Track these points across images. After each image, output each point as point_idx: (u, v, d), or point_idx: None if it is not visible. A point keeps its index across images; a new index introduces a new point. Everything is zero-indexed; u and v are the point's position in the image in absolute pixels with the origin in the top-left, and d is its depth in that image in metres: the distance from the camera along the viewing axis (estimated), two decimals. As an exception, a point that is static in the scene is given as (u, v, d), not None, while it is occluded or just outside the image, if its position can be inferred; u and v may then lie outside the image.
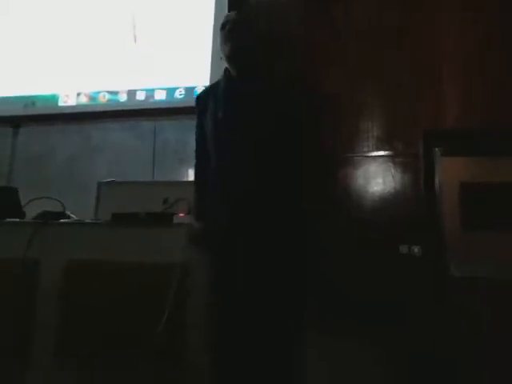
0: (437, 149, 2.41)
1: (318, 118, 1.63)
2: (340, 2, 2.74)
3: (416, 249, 2.34)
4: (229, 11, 3.14)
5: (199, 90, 3.20)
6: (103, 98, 3.41)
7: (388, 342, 2.27)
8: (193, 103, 3.19)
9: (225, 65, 1.73)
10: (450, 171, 2.39)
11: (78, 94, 3.46)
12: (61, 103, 3.48)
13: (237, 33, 1.61)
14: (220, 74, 3.04)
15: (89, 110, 3.40)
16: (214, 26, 3.24)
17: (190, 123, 3.16)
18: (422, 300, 2.30)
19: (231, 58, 1.63)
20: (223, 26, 1.64)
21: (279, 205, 1.57)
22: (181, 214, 2.22)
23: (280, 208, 1.57)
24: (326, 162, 2.51)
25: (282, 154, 1.58)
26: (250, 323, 1.51)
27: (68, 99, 3.47)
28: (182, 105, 3.21)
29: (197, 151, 1.80)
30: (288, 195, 1.60)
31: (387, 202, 2.51)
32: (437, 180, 2.41)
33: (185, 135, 3.14)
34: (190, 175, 2.98)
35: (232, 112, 1.62)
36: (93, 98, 3.43)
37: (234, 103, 1.63)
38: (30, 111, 3.50)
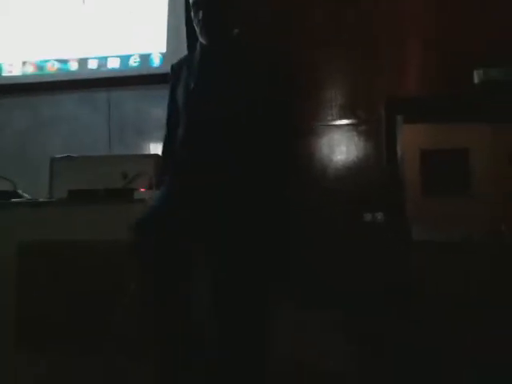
0: (399, 116, 2.43)
1: (283, 89, 1.60)
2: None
3: (379, 216, 2.39)
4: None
5: (155, 57, 3.06)
6: (52, 66, 3.19)
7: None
8: (149, 71, 3.12)
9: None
10: (411, 138, 2.42)
11: (24, 63, 3.21)
12: (4, 73, 3.23)
13: (210, 12, 1.55)
14: (177, 38, 2.94)
15: (36, 80, 3.17)
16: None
17: (148, 93, 3.08)
18: (384, 265, 2.36)
19: (204, 26, 1.57)
20: (194, 5, 1.57)
21: (252, 179, 1.54)
22: (142, 189, 2.15)
23: (254, 183, 1.54)
24: (293, 131, 2.48)
25: (251, 126, 1.55)
26: (227, 313, 1.49)
27: (12, 68, 3.22)
28: (136, 73, 3.06)
29: (167, 124, 1.74)
30: (261, 171, 1.57)
31: (351, 170, 2.54)
32: (398, 147, 2.44)
33: (143, 106, 3.01)
34: (151, 149, 2.89)
35: (204, 84, 1.58)
36: (40, 67, 3.20)
37: (205, 74, 1.59)
38: (-31, 81, 3.24)
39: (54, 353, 1.97)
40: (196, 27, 1.61)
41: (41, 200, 2.16)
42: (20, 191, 2.20)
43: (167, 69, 2.98)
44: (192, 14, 1.61)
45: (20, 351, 2.00)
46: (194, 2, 1.59)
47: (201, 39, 1.61)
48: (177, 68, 1.73)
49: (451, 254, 2.31)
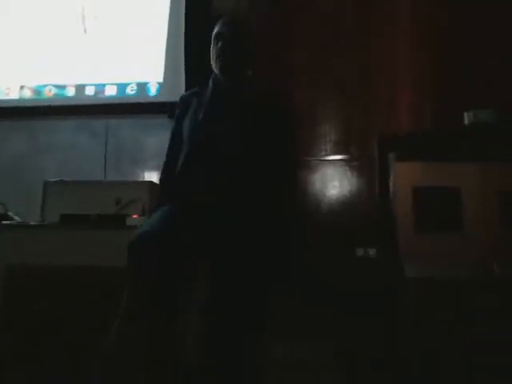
0: (391, 154, 2.48)
1: (281, 125, 1.65)
2: (300, 12, 2.77)
3: (371, 251, 2.40)
4: (186, 8, 3.09)
5: (152, 86, 3.11)
6: (49, 92, 3.21)
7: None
8: (146, 100, 3.15)
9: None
10: (403, 176, 2.46)
11: (22, 87, 3.23)
12: (2, 96, 3.24)
13: (232, 47, 1.63)
14: (176, 68, 2.99)
15: (33, 104, 3.19)
16: (169, 19, 3.16)
17: (146, 122, 3.11)
18: (377, 299, 2.36)
19: (224, 69, 1.64)
20: (217, 37, 1.63)
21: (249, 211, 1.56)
22: (134, 216, 2.14)
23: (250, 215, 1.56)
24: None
25: (251, 160, 1.59)
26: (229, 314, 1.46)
27: (10, 92, 3.24)
28: (133, 101, 3.10)
29: (169, 152, 1.78)
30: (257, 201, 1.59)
31: (344, 205, 2.56)
32: (391, 184, 2.48)
33: (140, 135, 3.04)
34: (146, 176, 2.89)
35: (212, 116, 1.63)
36: (37, 91, 3.22)
37: (215, 107, 1.65)
38: (-33, 103, 3.24)
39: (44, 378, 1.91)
40: (212, 59, 1.67)
41: (32, 223, 2.14)
42: (11, 214, 2.18)
43: (164, 98, 3.07)
44: (211, 46, 1.67)
45: (7, 378, 1.93)
46: (216, 35, 1.66)
47: (215, 70, 1.67)
48: (186, 99, 1.78)
49: (443, 291, 2.31)
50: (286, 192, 1.63)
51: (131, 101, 3.10)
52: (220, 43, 1.63)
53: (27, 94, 3.23)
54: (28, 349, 1.94)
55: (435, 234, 2.32)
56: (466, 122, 2.42)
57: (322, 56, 2.71)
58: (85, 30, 3.27)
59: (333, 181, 2.61)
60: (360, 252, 2.42)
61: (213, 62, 1.68)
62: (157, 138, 2.88)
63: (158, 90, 3.12)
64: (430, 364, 2.18)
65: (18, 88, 3.24)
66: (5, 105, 3.20)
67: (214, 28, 1.69)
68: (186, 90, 2.88)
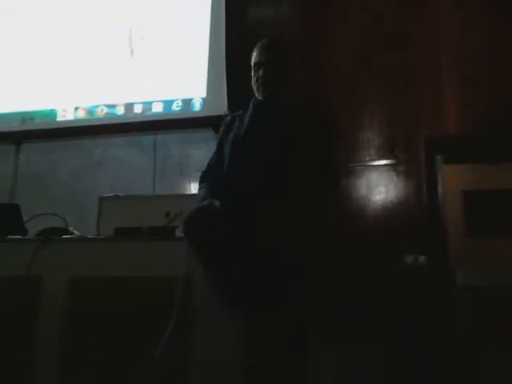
0: (439, 156, 2.42)
1: (322, 133, 1.67)
2: (337, 13, 2.77)
3: (421, 258, 2.34)
4: (226, 24, 3.17)
5: (196, 102, 3.21)
6: (101, 111, 3.39)
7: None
8: (190, 115, 3.26)
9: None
10: (451, 179, 2.39)
11: (76, 109, 3.44)
12: (59, 118, 3.46)
13: (273, 74, 1.71)
14: (217, 85, 3.09)
15: (86, 124, 3.38)
16: (210, 37, 3.26)
17: (191, 136, 3.22)
18: (427, 309, 2.29)
19: (263, 84, 1.72)
20: (257, 66, 1.73)
21: (282, 214, 1.60)
22: (183, 228, 2.20)
23: (282, 217, 1.61)
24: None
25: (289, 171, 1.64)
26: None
27: (66, 114, 3.46)
28: (179, 117, 3.21)
29: (212, 161, 1.88)
30: (293, 208, 1.63)
31: (390, 211, 2.51)
32: (439, 188, 2.41)
33: (186, 148, 3.15)
34: (192, 188, 2.97)
35: (253, 133, 1.71)
36: (90, 112, 3.41)
37: (256, 127, 1.72)
38: (29, 127, 3.47)
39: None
40: (254, 85, 1.76)
41: (89, 237, 2.26)
42: (71, 228, 2.31)
43: (208, 112, 3.16)
44: (252, 72, 1.76)
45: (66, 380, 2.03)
46: (255, 63, 1.73)
47: (258, 95, 1.75)
48: (229, 120, 1.87)
49: (498, 298, 2.21)
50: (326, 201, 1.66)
51: (177, 117, 3.21)
52: (261, 71, 1.69)
53: (81, 114, 3.43)
54: (87, 355, 2.04)
55: (489, 240, 2.23)
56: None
57: (363, 57, 2.68)
58: (132, 51, 3.43)
59: (378, 186, 2.57)
60: (409, 259, 2.36)
61: (254, 88, 1.75)
62: (202, 150, 2.96)
63: (202, 105, 3.21)
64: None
65: (73, 110, 3.45)
66: (62, 125, 3.41)
67: (252, 53, 1.76)
68: (229, 103, 2.96)
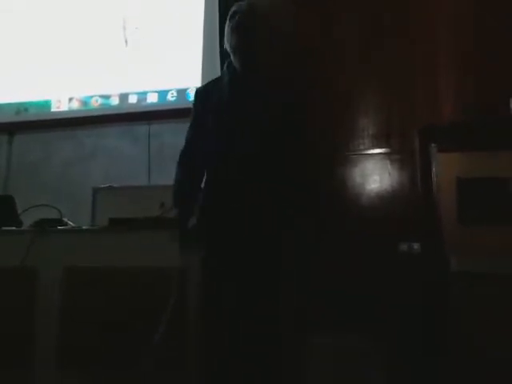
0: (433, 145, 2.41)
1: (314, 117, 1.66)
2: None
3: (416, 246, 2.35)
4: (220, 13, 3.14)
5: (191, 91, 3.19)
6: (95, 102, 3.38)
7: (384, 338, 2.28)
8: (185, 105, 3.24)
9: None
10: (446, 167, 2.39)
11: (70, 99, 3.43)
12: (53, 109, 3.45)
13: (247, 26, 1.65)
14: (212, 74, 3.06)
15: (81, 115, 3.37)
16: (204, 26, 3.24)
17: (185, 126, 3.19)
18: (420, 297, 2.31)
19: (237, 50, 1.69)
20: (233, 15, 1.68)
21: (277, 197, 1.62)
22: (178, 217, 2.20)
23: (277, 202, 1.62)
24: (324, 160, 2.52)
25: (279, 152, 1.63)
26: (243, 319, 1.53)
27: (60, 104, 3.44)
28: (174, 107, 3.19)
29: (188, 140, 1.85)
30: (286, 193, 1.64)
31: (385, 200, 2.51)
32: (434, 176, 2.41)
33: (181, 138, 3.12)
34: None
35: (237, 103, 1.68)
36: (85, 102, 3.40)
37: (238, 95, 1.69)
38: (23, 118, 3.46)
39: (100, 376, 2.02)
40: (227, 40, 1.72)
41: (84, 227, 2.27)
42: (65, 219, 2.32)
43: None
44: (226, 33, 1.72)
45: (65, 376, 2.06)
46: (231, 12, 1.71)
47: (229, 49, 1.71)
48: (202, 91, 1.86)
49: (492, 285, 2.22)
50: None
51: (172, 107, 3.20)
52: (235, 20, 1.66)
53: (75, 105, 3.41)
54: (84, 345, 2.06)
55: (482, 227, 2.24)
56: (513, 108, 2.31)
57: (359, 44, 2.65)
58: (126, 41, 3.41)
59: (373, 175, 2.57)
60: (404, 247, 2.37)
61: (227, 44, 1.70)
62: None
63: (198, 95, 3.20)
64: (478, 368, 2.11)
65: (67, 100, 3.43)
66: (56, 116, 3.40)
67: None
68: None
